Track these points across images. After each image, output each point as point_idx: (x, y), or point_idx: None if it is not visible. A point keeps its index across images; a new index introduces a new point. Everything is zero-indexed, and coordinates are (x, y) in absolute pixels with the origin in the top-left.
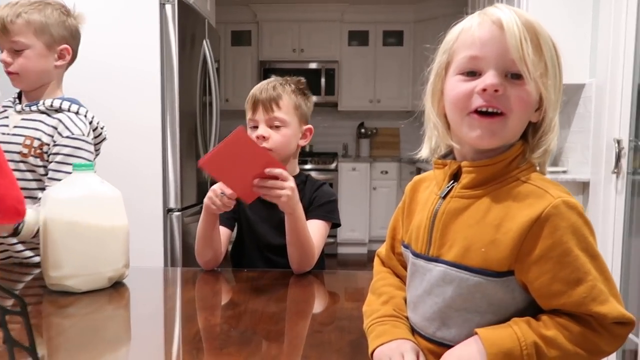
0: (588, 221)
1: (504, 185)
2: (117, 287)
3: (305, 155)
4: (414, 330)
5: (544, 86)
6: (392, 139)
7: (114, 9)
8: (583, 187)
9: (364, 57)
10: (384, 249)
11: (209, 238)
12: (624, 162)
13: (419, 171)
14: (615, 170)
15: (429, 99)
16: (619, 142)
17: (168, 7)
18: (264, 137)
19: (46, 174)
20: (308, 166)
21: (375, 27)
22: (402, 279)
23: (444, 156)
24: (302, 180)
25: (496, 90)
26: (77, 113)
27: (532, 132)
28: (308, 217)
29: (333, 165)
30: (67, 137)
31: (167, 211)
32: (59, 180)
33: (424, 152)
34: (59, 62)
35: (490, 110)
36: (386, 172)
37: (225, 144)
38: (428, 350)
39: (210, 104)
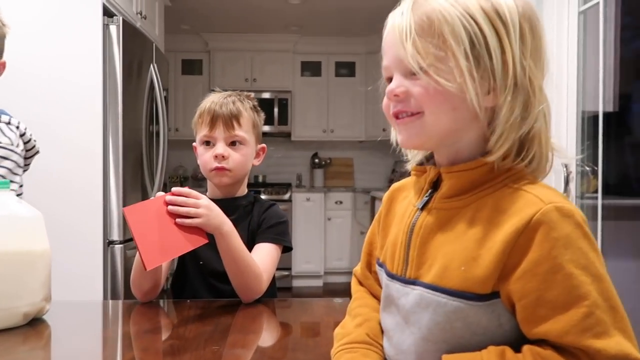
0: (588, 234)
1: (489, 194)
2: (34, 324)
3: (258, 185)
4: None
5: (446, 71)
6: (346, 169)
7: (55, 24)
8: None
9: (317, 87)
10: (360, 267)
11: None
12: (572, 186)
13: (373, 200)
14: (565, 194)
15: None
16: (566, 166)
17: (112, 27)
18: (223, 156)
19: None
20: (262, 197)
21: (327, 58)
22: (379, 299)
23: (422, 163)
24: (249, 201)
25: (396, 95)
26: (8, 123)
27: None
28: (257, 240)
29: (287, 196)
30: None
31: (108, 243)
32: None
33: (411, 155)
34: None
35: (402, 115)
36: (341, 202)
37: (135, 233)
38: None
39: (158, 133)
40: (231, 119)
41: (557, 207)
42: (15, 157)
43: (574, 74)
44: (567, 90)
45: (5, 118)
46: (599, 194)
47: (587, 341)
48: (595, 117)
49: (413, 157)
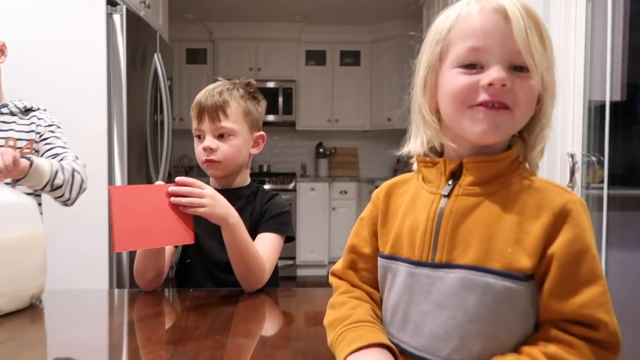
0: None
1: (514, 183)
2: (41, 312)
3: (263, 175)
4: (412, 356)
5: (550, 80)
6: (350, 159)
7: (58, 13)
8: None
9: (322, 76)
10: (340, 266)
11: (152, 254)
12: (578, 176)
13: None
14: (570, 184)
15: (419, 94)
16: (572, 156)
17: (116, 16)
18: (211, 148)
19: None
20: (266, 186)
21: (332, 47)
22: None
23: (426, 155)
24: (252, 191)
25: (504, 85)
26: (45, 110)
27: (528, 127)
28: (259, 230)
29: (291, 186)
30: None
31: None
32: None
33: (413, 147)
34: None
35: (496, 105)
36: (345, 192)
37: (114, 213)
38: None
39: (162, 122)
40: (216, 111)
41: (579, 200)
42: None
43: (581, 63)
44: (574, 79)
45: (40, 106)
46: (605, 184)
47: (600, 314)
48: (602, 106)
49: (415, 148)
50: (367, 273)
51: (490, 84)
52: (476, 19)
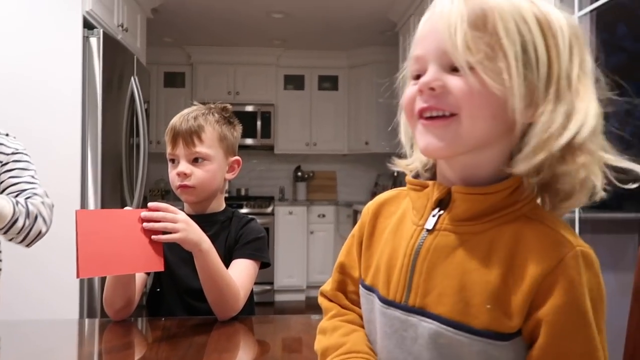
0: (602, 283)
1: (507, 222)
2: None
3: (241, 199)
4: None
5: (494, 71)
6: (329, 182)
7: (35, 36)
8: None
9: (300, 100)
10: (330, 287)
11: (122, 283)
12: None
13: (355, 214)
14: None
15: (403, 114)
16: None
17: (93, 40)
18: (185, 174)
19: None
20: (244, 210)
21: (310, 71)
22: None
23: (417, 175)
24: (227, 217)
25: (431, 88)
26: (7, 135)
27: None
28: (234, 256)
29: (269, 209)
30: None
31: None
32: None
33: (411, 161)
34: None
35: (435, 113)
36: (323, 216)
37: (79, 237)
38: None
39: (138, 145)
40: (191, 136)
41: (583, 252)
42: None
43: None
44: None
45: (1, 130)
46: (576, 208)
47: None
48: None
49: (413, 162)
50: (356, 296)
51: (421, 90)
52: (420, 27)
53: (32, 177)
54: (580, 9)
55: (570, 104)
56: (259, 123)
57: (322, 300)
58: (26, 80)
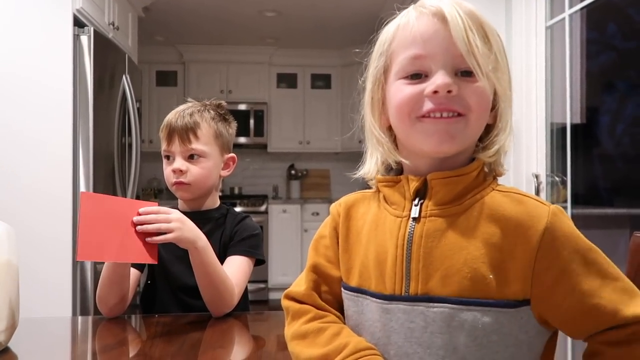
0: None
1: (485, 197)
2: None
3: (234, 197)
4: None
5: (499, 81)
6: (322, 180)
7: (25, 34)
8: None
9: (293, 99)
10: (303, 288)
11: (118, 279)
12: (542, 195)
13: None
14: None
15: (368, 112)
16: (537, 176)
17: (84, 38)
18: (180, 170)
19: None
20: (238, 208)
21: (303, 70)
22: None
23: (384, 174)
24: (222, 214)
25: (449, 91)
26: None
27: (484, 134)
28: (229, 253)
29: (263, 208)
30: None
31: None
32: None
33: (367, 169)
34: None
35: (444, 114)
36: (317, 214)
37: (82, 220)
38: None
39: (130, 144)
40: (187, 132)
41: (556, 208)
42: None
43: (542, 87)
44: (536, 102)
45: None
46: (569, 204)
47: (632, 310)
48: (564, 128)
49: (370, 169)
50: (330, 296)
51: (435, 92)
52: (415, 26)
53: None
54: (570, 6)
55: (510, 102)
56: (252, 121)
57: (289, 304)
58: (16, 79)
